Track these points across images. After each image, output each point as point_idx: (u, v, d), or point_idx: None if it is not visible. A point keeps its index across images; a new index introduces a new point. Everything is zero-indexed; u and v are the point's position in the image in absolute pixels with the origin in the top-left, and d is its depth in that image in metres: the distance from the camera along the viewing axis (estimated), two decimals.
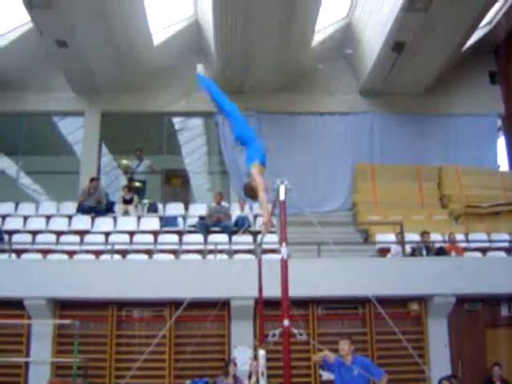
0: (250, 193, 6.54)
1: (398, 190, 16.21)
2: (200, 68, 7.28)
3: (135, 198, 15.19)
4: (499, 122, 18.36)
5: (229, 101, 7.10)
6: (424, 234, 13.32)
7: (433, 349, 11.79)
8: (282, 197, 5.24)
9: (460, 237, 14.29)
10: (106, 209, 15.12)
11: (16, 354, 11.42)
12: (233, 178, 16.91)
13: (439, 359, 11.59)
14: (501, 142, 18.40)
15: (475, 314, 12.25)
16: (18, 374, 11.41)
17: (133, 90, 16.92)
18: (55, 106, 17.37)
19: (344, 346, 7.87)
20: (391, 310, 10.82)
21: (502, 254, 13.51)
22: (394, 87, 16.84)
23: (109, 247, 12.72)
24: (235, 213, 14.75)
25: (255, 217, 14.59)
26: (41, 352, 11.44)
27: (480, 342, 12.08)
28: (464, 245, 13.96)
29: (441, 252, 12.99)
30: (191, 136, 19.07)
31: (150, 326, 11.83)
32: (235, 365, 10.70)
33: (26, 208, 15.50)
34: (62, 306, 11.82)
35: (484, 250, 13.75)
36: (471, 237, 14.64)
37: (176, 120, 18.74)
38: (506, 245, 13.81)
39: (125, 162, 16.39)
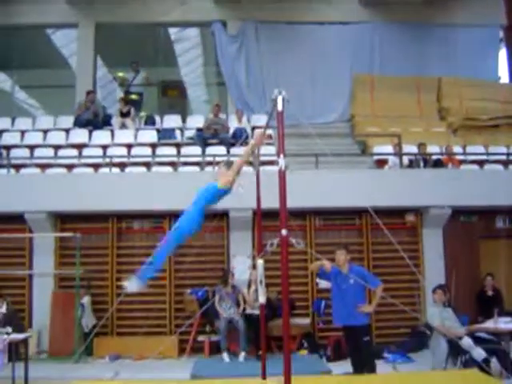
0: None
1: (397, 101, 16.00)
2: (134, 284, 5.81)
3: (132, 110, 15.05)
4: (501, 34, 17.99)
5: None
6: (421, 145, 13.32)
7: (428, 259, 12.04)
8: (279, 107, 5.19)
9: (458, 149, 14.28)
10: (103, 122, 15.04)
11: (19, 267, 11.67)
12: (230, 89, 16.70)
13: (434, 269, 11.83)
14: (502, 53, 18.09)
15: (470, 225, 12.43)
16: (23, 286, 11.71)
17: (127, 0, 16.48)
18: (48, 18, 16.86)
19: (340, 256, 8.02)
20: (387, 220, 10.93)
21: (500, 167, 13.54)
22: None
23: (107, 160, 12.73)
24: (233, 125, 14.67)
25: (253, 128, 14.51)
26: (43, 264, 11.70)
27: (474, 252, 12.30)
28: (461, 157, 13.96)
29: (438, 164, 13.02)
30: (187, 47, 18.73)
31: (149, 237, 12.02)
32: (232, 275, 10.96)
33: (23, 123, 15.43)
34: (62, 220, 11.98)
35: (481, 163, 13.77)
36: (469, 149, 14.61)
37: (172, 30, 18.34)
38: (504, 158, 13.83)
39: (121, 74, 16.16)
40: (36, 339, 11.23)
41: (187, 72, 18.89)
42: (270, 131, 12.56)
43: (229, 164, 6.30)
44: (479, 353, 8.30)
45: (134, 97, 15.62)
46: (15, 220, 11.61)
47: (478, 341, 8.56)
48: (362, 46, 16.93)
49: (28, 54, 17.31)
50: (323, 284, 10.34)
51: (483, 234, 12.42)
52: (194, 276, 11.74)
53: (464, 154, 14.31)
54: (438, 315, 8.87)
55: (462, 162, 13.71)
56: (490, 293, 11.34)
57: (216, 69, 17.47)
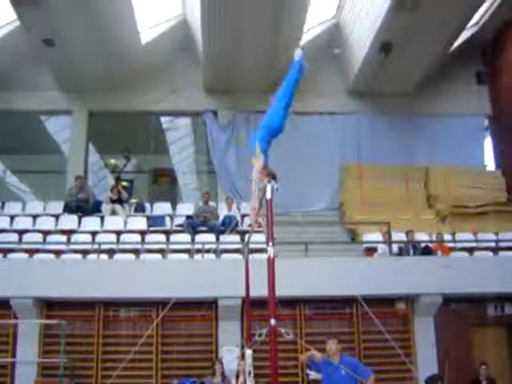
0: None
1: (385, 189, 16.20)
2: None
3: (124, 193, 15.09)
4: (486, 122, 18.44)
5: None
6: (409, 232, 13.38)
7: (420, 348, 11.83)
8: (268, 196, 5.22)
9: (447, 237, 14.33)
10: (93, 208, 15.05)
11: (2, 354, 11.37)
12: (220, 177, 16.88)
13: (426, 358, 11.62)
14: (487, 141, 18.48)
15: (462, 313, 12.29)
16: (5, 374, 11.35)
17: (120, 89, 16.84)
18: (42, 105, 17.22)
19: (332, 345, 7.88)
20: (378, 309, 10.85)
21: (489, 253, 13.56)
22: (381, 87, 16.86)
23: (96, 247, 12.67)
24: (222, 212, 14.72)
25: (242, 216, 14.57)
26: (27, 352, 11.37)
27: (467, 341, 12.13)
28: (451, 244, 13.99)
29: (427, 251, 13.03)
30: (179, 135, 19.04)
31: (136, 325, 11.79)
32: (221, 363, 10.71)
33: (13, 207, 15.41)
34: (48, 306, 11.78)
35: (471, 250, 13.79)
36: (458, 236, 14.67)
37: (164, 119, 18.69)
38: (493, 245, 13.87)
39: (112, 161, 16.32)
40: None
41: (178, 160, 19.13)
42: (259, 219, 12.60)
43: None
44: None
45: (124, 184, 15.70)
46: (0, 305, 11.40)
47: None
48: (350, 136, 17.30)
49: (21, 140, 17.51)
50: (313, 375, 10.08)
51: (475, 322, 12.29)
52: (181, 366, 11.45)
53: (453, 241, 14.34)
54: None
55: (451, 249, 13.72)
56: (484, 383, 11.10)
57: (207, 157, 17.71)
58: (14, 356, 11.41)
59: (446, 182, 16.71)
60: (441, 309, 11.90)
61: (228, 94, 17.15)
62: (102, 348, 11.64)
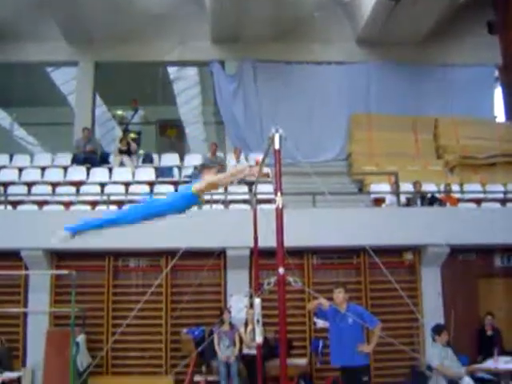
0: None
1: (394, 140, 16.08)
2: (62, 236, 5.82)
3: (133, 145, 15.06)
4: (496, 73, 18.18)
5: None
6: (416, 183, 13.36)
7: (426, 298, 11.93)
8: (276, 145, 5.19)
9: (455, 187, 14.29)
10: (101, 159, 15.07)
11: (14, 305, 11.54)
12: (228, 127, 16.79)
13: (432, 308, 11.71)
14: (498, 92, 18.25)
15: (469, 263, 12.35)
16: (17, 324, 11.57)
17: (127, 39, 16.61)
18: (48, 56, 17.01)
19: (338, 294, 7.94)
20: (386, 259, 10.88)
21: (497, 205, 13.53)
22: (391, 36, 16.55)
23: (104, 198, 12.72)
24: (230, 163, 14.70)
25: (251, 167, 14.52)
26: (39, 302, 11.56)
27: (473, 291, 12.21)
28: (459, 195, 13.97)
29: (435, 202, 13.02)
30: (186, 86, 18.89)
31: (146, 275, 11.95)
32: (229, 312, 10.85)
33: (21, 159, 15.44)
34: (58, 257, 11.90)
35: (478, 201, 13.77)
36: (466, 187, 14.64)
37: (171, 69, 18.51)
38: (501, 196, 13.84)
39: (119, 112, 16.24)
40: (30, 378, 11.06)
41: (185, 111, 19.01)
42: (267, 169, 12.59)
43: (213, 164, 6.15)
44: None
45: (132, 135, 15.65)
46: (11, 257, 11.53)
47: (478, 381, 8.45)
48: (359, 86, 17.05)
49: (27, 92, 17.44)
50: (321, 323, 10.22)
51: (482, 273, 12.35)
52: (190, 315, 11.63)
53: (461, 192, 14.32)
54: (438, 355, 8.74)
55: (459, 200, 13.71)
56: (489, 332, 11.21)
57: (214, 108, 17.59)
58: (25, 306, 11.60)
59: (455, 132, 16.56)
60: (448, 259, 11.94)
61: (235, 44, 16.91)
62: (113, 297, 11.80)
